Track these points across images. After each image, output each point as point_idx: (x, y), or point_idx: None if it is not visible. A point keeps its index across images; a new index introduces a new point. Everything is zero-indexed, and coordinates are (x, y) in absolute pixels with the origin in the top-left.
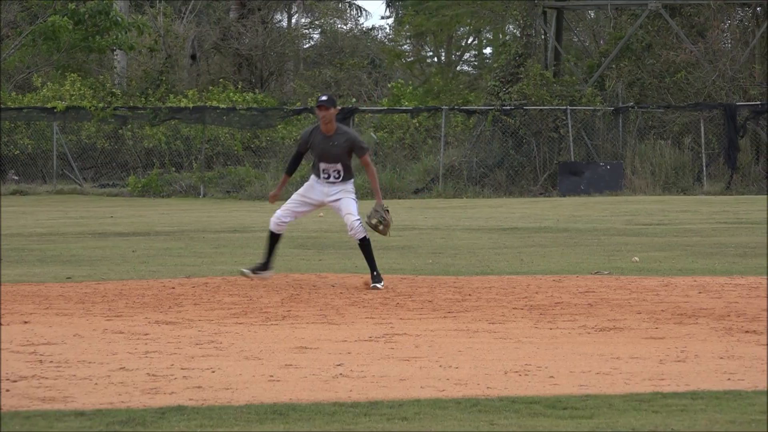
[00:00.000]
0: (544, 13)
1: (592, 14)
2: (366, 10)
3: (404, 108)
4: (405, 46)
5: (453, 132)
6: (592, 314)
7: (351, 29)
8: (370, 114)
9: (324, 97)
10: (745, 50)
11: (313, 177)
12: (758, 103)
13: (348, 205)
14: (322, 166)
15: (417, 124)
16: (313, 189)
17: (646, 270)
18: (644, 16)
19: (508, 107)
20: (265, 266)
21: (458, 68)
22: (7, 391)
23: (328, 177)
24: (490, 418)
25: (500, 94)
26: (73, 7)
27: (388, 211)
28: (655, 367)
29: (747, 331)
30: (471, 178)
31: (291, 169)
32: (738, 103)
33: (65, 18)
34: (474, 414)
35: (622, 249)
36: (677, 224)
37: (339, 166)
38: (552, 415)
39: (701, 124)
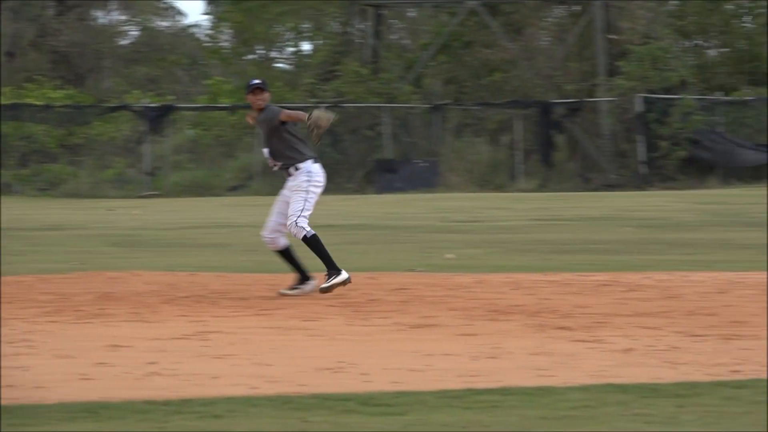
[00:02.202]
0: (363, 11)
1: (413, 13)
2: (182, 12)
3: (222, 105)
4: (224, 43)
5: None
6: (406, 311)
7: (169, 27)
8: (188, 111)
9: (257, 81)
10: (561, 48)
11: None
12: (574, 100)
13: (291, 208)
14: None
15: (234, 121)
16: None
17: (460, 267)
18: (462, 14)
19: (325, 104)
20: (304, 279)
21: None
22: None
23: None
24: (301, 415)
25: (315, 92)
26: None
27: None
28: (468, 364)
29: (559, 328)
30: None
31: None
32: (553, 101)
33: None
34: (287, 411)
35: (436, 246)
36: (492, 221)
37: (267, 152)
38: (364, 412)
39: (517, 122)
